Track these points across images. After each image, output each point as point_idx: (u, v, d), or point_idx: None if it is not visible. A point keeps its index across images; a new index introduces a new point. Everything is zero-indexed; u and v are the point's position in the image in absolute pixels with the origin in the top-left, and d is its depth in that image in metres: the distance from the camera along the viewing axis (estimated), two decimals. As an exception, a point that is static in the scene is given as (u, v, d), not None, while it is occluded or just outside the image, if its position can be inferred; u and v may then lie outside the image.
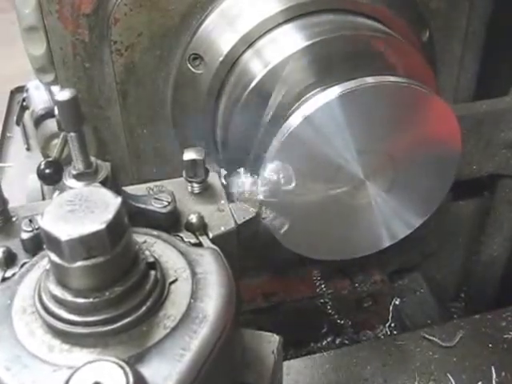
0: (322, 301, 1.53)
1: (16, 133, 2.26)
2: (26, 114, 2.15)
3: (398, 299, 1.60)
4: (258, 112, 1.07)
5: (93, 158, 0.70)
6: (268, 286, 1.53)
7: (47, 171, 1.38)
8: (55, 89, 1.47)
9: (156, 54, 1.13)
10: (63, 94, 0.62)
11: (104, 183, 0.69)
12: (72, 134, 0.66)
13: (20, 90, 2.29)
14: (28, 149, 2.17)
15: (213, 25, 1.12)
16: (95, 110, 1.20)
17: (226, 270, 0.70)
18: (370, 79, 0.99)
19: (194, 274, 0.68)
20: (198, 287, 0.67)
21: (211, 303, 0.65)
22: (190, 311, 0.64)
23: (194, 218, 0.76)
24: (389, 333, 1.57)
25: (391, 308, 1.59)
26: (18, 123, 2.21)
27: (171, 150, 1.23)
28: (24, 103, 2.12)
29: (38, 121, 1.90)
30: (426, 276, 1.70)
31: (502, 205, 1.54)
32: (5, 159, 2.18)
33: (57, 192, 0.69)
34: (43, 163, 1.39)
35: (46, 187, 1.59)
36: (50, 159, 1.48)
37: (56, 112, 0.64)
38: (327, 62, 1.05)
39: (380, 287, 1.58)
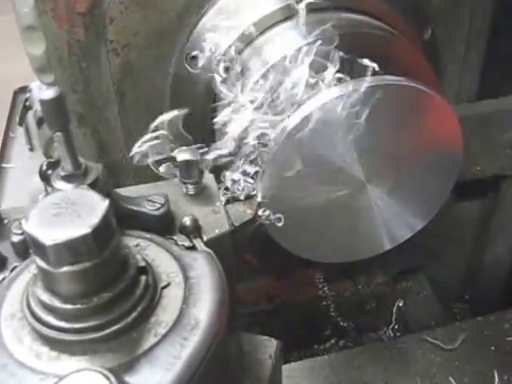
0: (324, 303, 1.51)
1: (19, 133, 2.24)
2: (29, 115, 2.13)
3: (402, 301, 1.58)
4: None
5: (82, 159, 0.68)
6: (271, 287, 1.51)
7: (49, 172, 1.36)
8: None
9: (153, 53, 1.11)
10: (47, 93, 0.60)
11: (94, 185, 0.67)
12: (58, 133, 0.63)
13: (23, 90, 2.27)
14: (31, 149, 2.15)
15: (210, 23, 1.09)
16: (93, 111, 1.18)
17: (220, 274, 0.67)
18: (370, 79, 0.97)
19: (186, 278, 0.66)
20: (190, 292, 0.65)
21: (204, 309, 0.63)
22: (181, 317, 0.62)
23: (187, 221, 0.73)
24: (392, 335, 1.55)
25: (394, 310, 1.56)
26: (20, 123, 2.19)
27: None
28: (27, 103, 2.10)
29: (41, 121, 1.88)
30: (429, 277, 1.68)
31: (507, 205, 1.51)
32: (8, 160, 2.17)
33: (43, 194, 0.67)
34: (45, 164, 1.37)
35: (49, 188, 1.58)
36: (52, 160, 1.45)
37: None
38: (327, 61, 1.02)
39: (383, 289, 1.55)
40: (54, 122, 0.64)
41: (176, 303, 0.63)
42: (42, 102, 0.62)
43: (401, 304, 1.58)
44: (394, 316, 1.57)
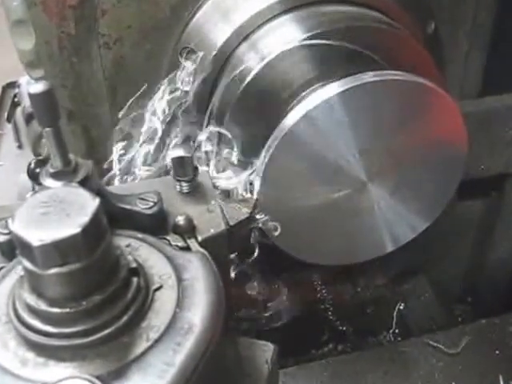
0: (323, 306, 1.50)
1: (8, 130, 2.22)
2: (18, 111, 2.11)
3: (402, 304, 1.56)
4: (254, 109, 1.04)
5: (72, 156, 0.67)
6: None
7: (37, 170, 1.34)
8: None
9: (146, 47, 1.10)
10: (37, 87, 0.58)
11: (84, 183, 0.65)
12: (48, 129, 0.62)
13: (12, 85, 2.24)
14: (19, 147, 2.12)
15: (206, 17, 1.09)
16: (84, 107, 1.17)
17: (215, 276, 0.66)
18: (371, 74, 0.96)
19: (180, 280, 0.65)
20: (184, 295, 0.63)
21: (198, 313, 0.61)
22: (174, 321, 0.61)
23: (181, 220, 0.72)
24: (392, 339, 1.53)
25: (395, 313, 1.55)
26: (9, 120, 2.17)
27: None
28: (16, 99, 2.07)
29: (29, 118, 1.86)
30: (430, 279, 1.66)
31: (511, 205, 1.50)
32: (-4, 157, 2.14)
33: (30, 192, 0.66)
34: (33, 162, 1.36)
35: (37, 187, 1.56)
36: (41, 158, 1.45)
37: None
38: (327, 56, 1.01)
39: (383, 292, 1.54)
40: (44, 116, 0.62)
41: (169, 306, 0.62)
42: (31, 95, 0.60)
43: (401, 307, 1.57)
44: (395, 320, 1.56)
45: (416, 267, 1.65)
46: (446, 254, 1.61)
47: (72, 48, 1.08)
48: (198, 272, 0.65)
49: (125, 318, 0.59)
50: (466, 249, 1.63)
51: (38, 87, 0.58)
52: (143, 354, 0.58)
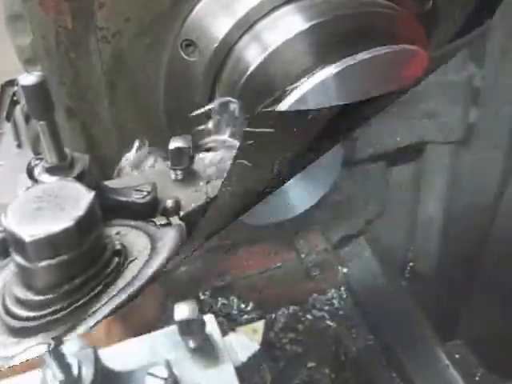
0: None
1: (7, 129, 2.21)
2: (17, 109, 2.11)
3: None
4: (256, 100, 1.03)
5: (68, 150, 0.67)
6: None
7: (37, 169, 1.35)
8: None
9: (145, 40, 1.10)
10: (28, 78, 0.58)
11: (80, 177, 0.65)
12: (42, 122, 0.61)
13: (11, 83, 2.24)
14: (19, 145, 2.12)
15: (206, 8, 1.08)
16: (83, 104, 1.17)
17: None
18: (365, 53, 0.96)
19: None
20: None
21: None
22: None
23: (170, 203, 0.76)
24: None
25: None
26: (8, 119, 2.17)
27: (164, 144, 1.19)
28: (14, 97, 2.07)
29: (29, 116, 1.86)
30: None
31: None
32: (-5, 157, 2.14)
33: (24, 187, 0.65)
34: (33, 161, 1.36)
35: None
36: (41, 156, 1.45)
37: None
38: (329, 44, 1.01)
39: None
40: (37, 110, 0.62)
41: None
42: (23, 87, 0.60)
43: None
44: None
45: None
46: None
47: (69, 43, 1.09)
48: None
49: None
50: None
51: (30, 79, 0.58)
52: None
